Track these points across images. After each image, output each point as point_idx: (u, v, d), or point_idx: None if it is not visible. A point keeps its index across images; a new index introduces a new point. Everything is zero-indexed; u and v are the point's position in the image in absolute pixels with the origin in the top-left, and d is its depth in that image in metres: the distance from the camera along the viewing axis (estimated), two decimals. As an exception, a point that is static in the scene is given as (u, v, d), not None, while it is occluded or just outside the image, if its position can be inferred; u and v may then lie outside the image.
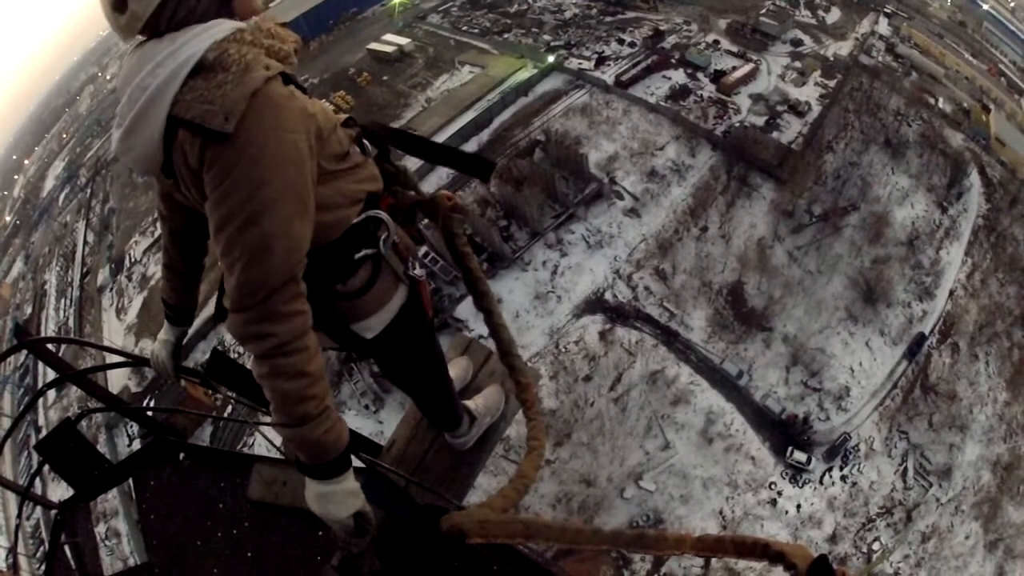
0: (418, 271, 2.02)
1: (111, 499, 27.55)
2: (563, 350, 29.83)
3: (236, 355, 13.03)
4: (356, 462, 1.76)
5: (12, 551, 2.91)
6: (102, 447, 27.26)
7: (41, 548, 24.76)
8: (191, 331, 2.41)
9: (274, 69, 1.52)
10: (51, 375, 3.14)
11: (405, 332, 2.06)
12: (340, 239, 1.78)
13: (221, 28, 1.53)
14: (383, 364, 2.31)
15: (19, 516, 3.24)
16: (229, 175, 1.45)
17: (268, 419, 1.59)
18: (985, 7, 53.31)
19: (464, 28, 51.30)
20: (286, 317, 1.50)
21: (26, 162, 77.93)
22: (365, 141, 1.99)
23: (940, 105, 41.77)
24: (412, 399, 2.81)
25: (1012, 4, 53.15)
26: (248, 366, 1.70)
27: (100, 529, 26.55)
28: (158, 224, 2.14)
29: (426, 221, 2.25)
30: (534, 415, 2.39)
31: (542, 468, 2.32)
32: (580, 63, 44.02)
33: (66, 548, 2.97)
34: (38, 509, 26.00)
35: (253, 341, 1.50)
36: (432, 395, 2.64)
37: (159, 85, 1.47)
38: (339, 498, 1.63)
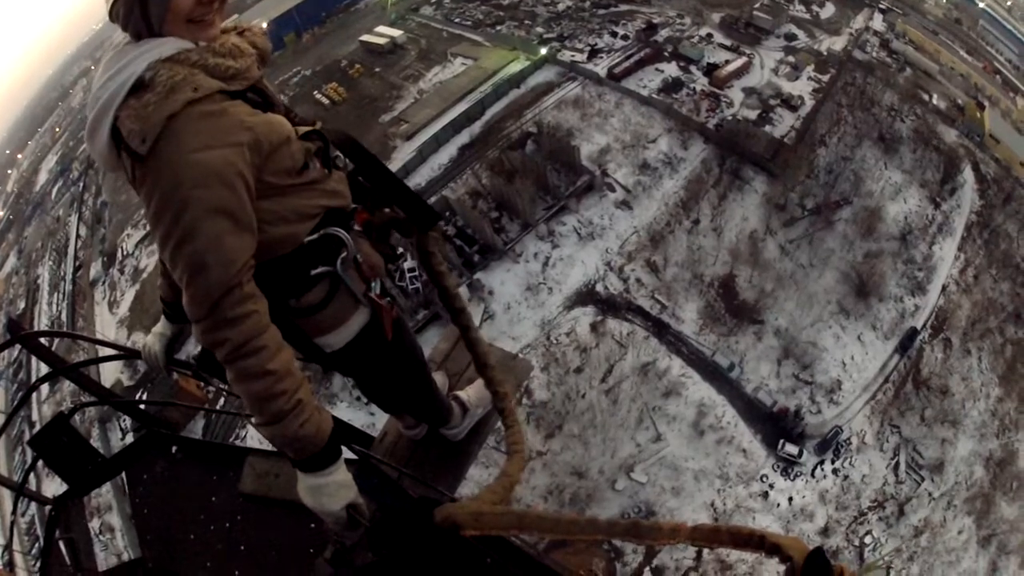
0: (379, 294, 2.00)
1: (104, 494, 27.49)
2: (554, 342, 29.83)
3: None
4: (348, 454, 1.76)
5: (8, 547, 2.90)
6: (95, 441, 27.15)
7: (37, 544, 24.70)
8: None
9: (203, 90, 1.53)
10: (44, 370, 3.12)
11: (367, 353, 2.07)
12: (295, 253, 1.79)
13: (167, 47, 1.56)
14: (351, 376, 2.31)
15: (14, 512, 3.23)
16: (153, 196, 1.50)
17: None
18: (981, 5, 53.35)
19: (457, 20, 51.04)
20: (235, 321, 1.53)
21: (19, 156, 77.24)
22: (339, 154, 1.99)
23: (934, 101, 41.83)
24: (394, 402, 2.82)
25: (1008, 2, 53.25)
26: None
27: (94, 524, 26.47)
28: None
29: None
30: (512, 422, 2.47)
31: (524, 470, 2.36)
32: (573, 55, 43.74)
33: (61, 544, 2.96)
34: (33, 505, 25.91)
35: (215, 349, 1.55)
36: (408, 402, 2.69)
37: (107, 98, 1.53)
38: (331, 490, 1.64)
